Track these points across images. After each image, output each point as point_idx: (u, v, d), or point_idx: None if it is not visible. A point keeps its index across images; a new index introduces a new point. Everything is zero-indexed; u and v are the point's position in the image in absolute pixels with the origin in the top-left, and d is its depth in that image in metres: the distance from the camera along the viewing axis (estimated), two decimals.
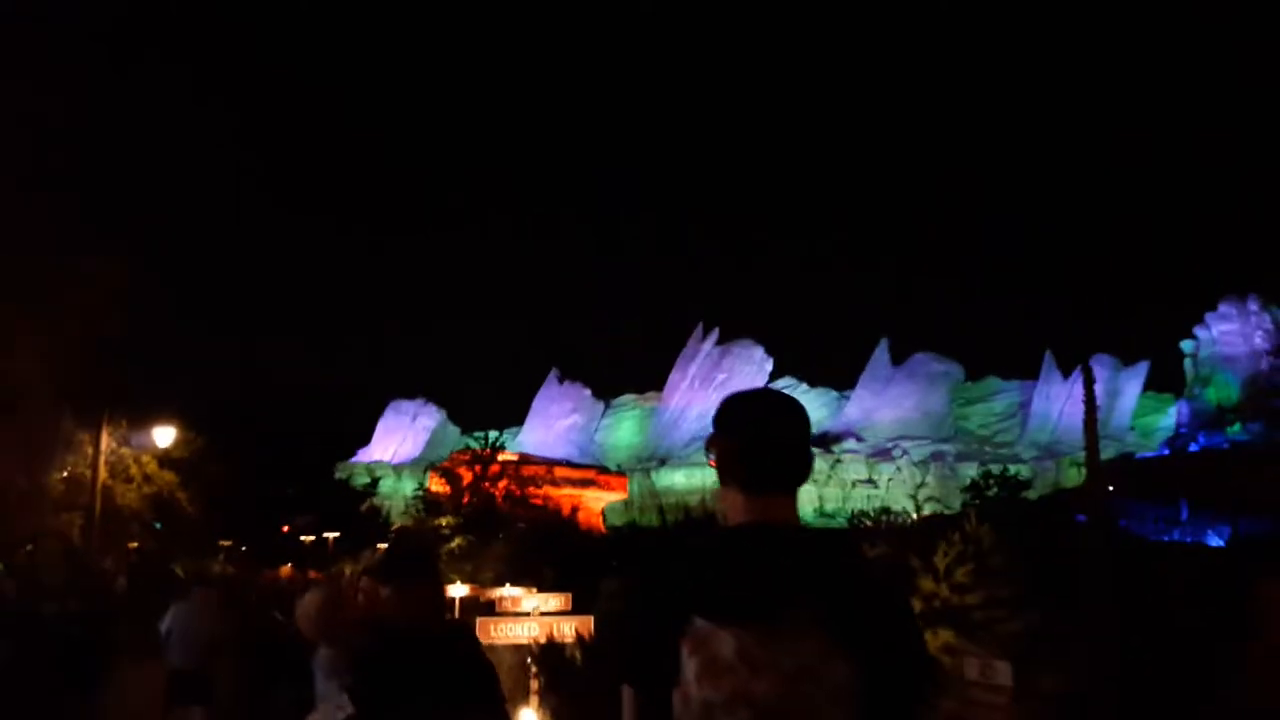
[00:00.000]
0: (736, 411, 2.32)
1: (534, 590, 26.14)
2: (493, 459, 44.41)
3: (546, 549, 37.08)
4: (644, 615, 2.16)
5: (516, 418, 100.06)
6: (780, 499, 2.23)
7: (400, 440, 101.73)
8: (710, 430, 2.38)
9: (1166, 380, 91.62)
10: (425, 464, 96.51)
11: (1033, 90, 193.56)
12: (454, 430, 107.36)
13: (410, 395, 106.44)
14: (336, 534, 42.15)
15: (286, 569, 49.22)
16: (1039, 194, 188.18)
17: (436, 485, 45.34)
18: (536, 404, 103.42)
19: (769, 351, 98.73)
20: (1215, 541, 33.29)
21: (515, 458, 48.10)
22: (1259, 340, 65.88)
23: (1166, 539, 34.86)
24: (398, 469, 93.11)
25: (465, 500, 40.10)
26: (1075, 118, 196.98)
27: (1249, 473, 44.16)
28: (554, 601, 24.88)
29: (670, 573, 2.17)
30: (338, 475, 53.25)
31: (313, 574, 47.43)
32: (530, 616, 25.22)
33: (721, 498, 2.30)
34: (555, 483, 63.05)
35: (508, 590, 30.63)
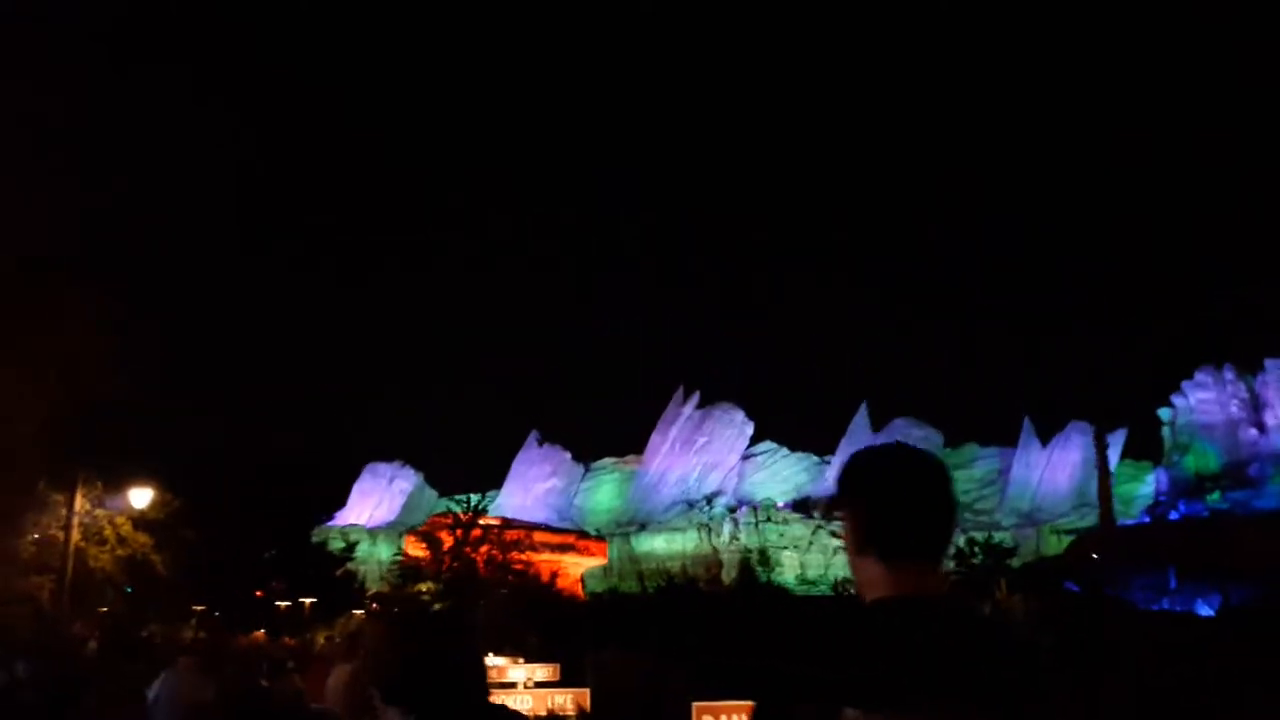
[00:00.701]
0: (874, 469, 2.07)
1: (520, 660, 25.52)
2: (474, 523, 43.71)
3: (530, 616, 36.41)
4: (783, 707, 1.94)
5: (494, 480, 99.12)
6: (928, 569, 1.99)
7: (376, 503, 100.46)
8: (841, 489, 2.16)
9: (1144, 448, 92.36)
10: (401, 528, 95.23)
11: (1014, 149, 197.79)
12: (431, 493, 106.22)
13: (387, 458, 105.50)
14: (313, 599, 41.16)
15: (260, 634, 48.07)
16: (1018, 262, 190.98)
17: (415, 549, 44.49)
18: (515, 467, 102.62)
19: (750, 415, 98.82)
20: (1204, 610, 33.04)
21: (497, 522, 47.33)
22: (1235, 409, 66.48)
23: (1155, 607, 34.57)
24: (373, 533, 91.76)
25: (446, 565, 39.31)
26: (1050, 189, 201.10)
27: (1234, 541, 44.20)
28: (542, 671, 24.28)
29: (821, 653, 1.93)
30: (314, 539, 52.16)
31: (287, 640, 46.37)
32: (520, 688, 24.60)
33: (856, 569, 2.07)
34: (534, 547, 62.13)
35: (492, 660, 29.92)
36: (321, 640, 50.72)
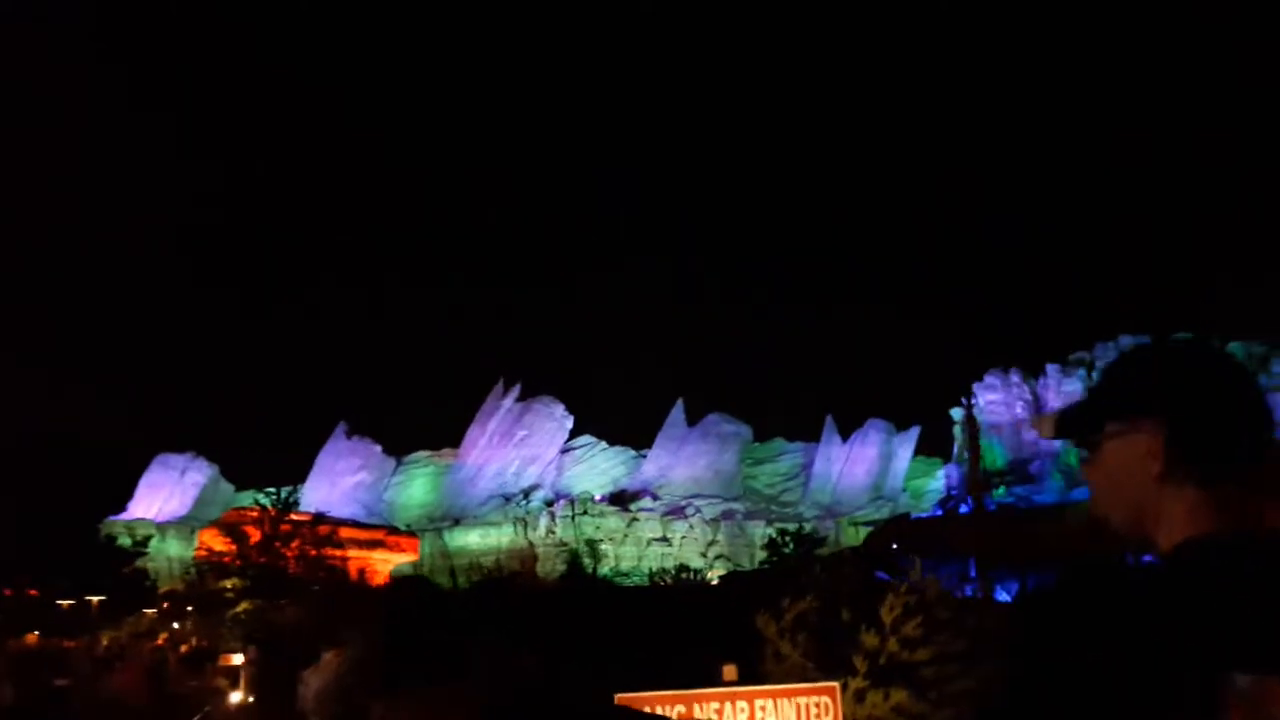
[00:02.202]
0: (1188, 372, 1.62)
1: None
2: (283, 518, 41.35)
3: (347, 615, 34.77)
4: (1151, 672, 1.47)
5: (298, 474, 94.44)
6: (1247, 494, 1.57)
7: (166, 497, 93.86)
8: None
9: (935, 445, 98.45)
10: (194, 523, 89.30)
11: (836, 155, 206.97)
12: (228, 487, 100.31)
13: (178, 448, 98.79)
14: (101, 598, 37.82)
15: (33, 636, 43.74)
16: (826, 266, 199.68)
17: (219, 544, 41.64)
18: (321, 460, 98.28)
19: (570, 409, 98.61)
20: (1003, 596, 35.35)
21: (308, 517, 44.96)
22: (1020, 410, 71.81)
23: (957, 595, 36.74)
24: (163, 527, 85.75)
25: (257, 561, 36.95)
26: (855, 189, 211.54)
27: (1020, 533, 47.69)
28: None
29: (1172, 613, 1.48)
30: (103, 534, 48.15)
31: (67, 642, 42.40)
32: None
33: (1151, 501, 1.63)
34: (341, 544, 59.73)
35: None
36: (105, 641, 46.81)
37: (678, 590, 49.43)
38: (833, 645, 8.64)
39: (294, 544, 39.05)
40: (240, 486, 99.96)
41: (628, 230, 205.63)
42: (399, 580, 52.81)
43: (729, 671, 7.76)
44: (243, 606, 35.86)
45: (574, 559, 53.85)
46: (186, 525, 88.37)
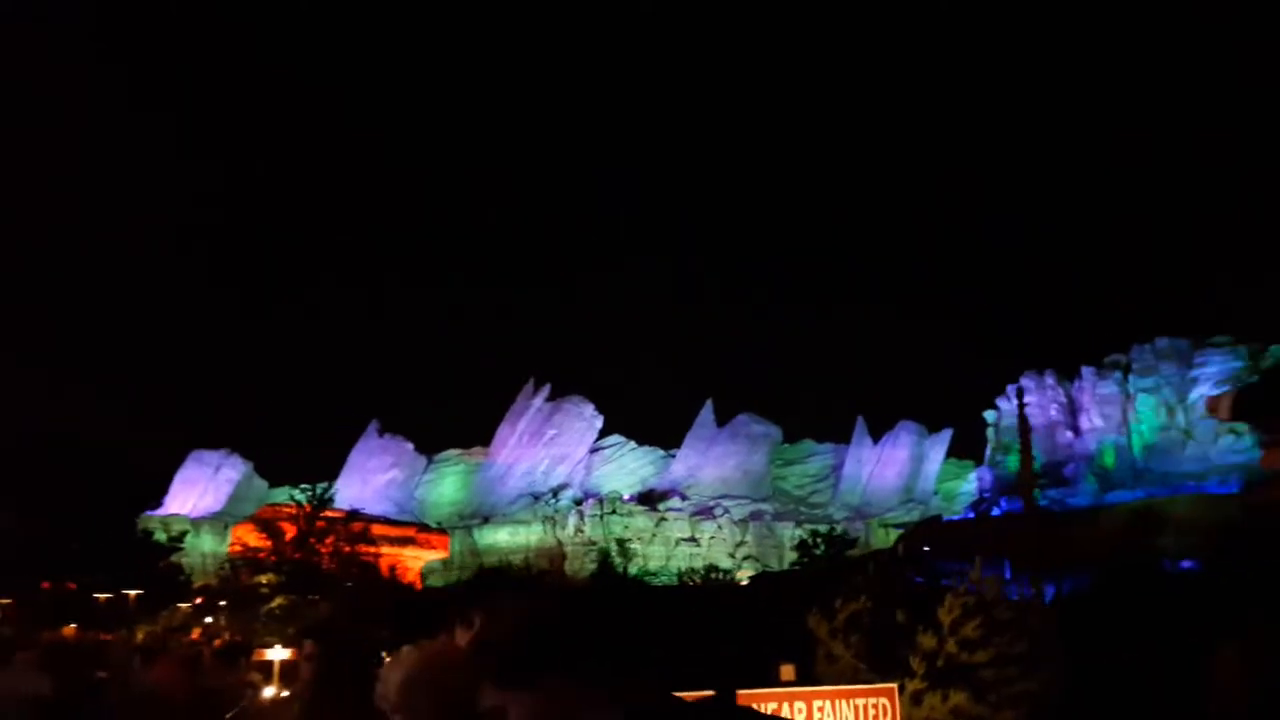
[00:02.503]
0: None
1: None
2: (318, 515, 41.64)
3: (381, 612, 34.82)
4: None
5: (329, 471, 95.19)
6: None
7: (201, 493, 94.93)
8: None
9: (966, 448, 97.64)
10: (228, 519, 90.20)
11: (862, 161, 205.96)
12: (261, 484, 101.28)
13: (213, 445, 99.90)
14: (138, 591, 38.25)
15: (70, 629, 44.33)
16: (859, 268, 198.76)
17: (254, 539, 41.99)
18: (354, 457, 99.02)
19: (599, 409, 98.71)
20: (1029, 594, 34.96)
21: (340, 514, 45.26)
22: (1055, 412, 71.01)
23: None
24: (197, 523, 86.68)
25: (292, 556, 37.22)
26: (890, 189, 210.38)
27: (1055, 535, 47.12)
28: None
29: None
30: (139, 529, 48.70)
31: (103, 635, 42.94)
32: None
33: None
34: (372, 540, 60.10)
35: None
36: (141, 636, 47.35)
37: (713, 590, 49.27)
38: (887, 646, 8.55)
39: (329, 540, 39.30)
40: (274, 483, 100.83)
41: (658, 231, 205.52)
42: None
43: (786, 672, 7.69)
44: (277, 602, 36.10)
45: (605, 558, 53.70)
46: (220, 521, 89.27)
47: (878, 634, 8.73)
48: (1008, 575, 39.55)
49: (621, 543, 70.26)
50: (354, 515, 44.13)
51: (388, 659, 3.15)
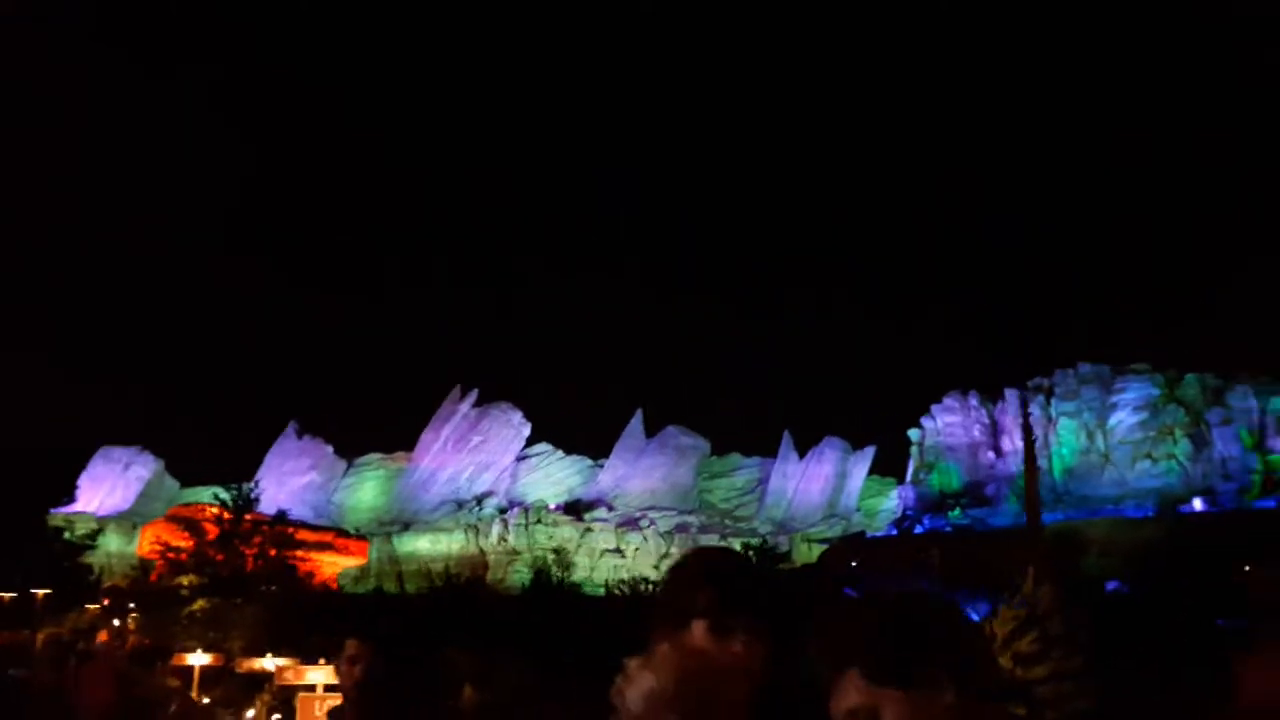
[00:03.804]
0: None
1: (323, 661, 23.28)
2: (242, 516, 40.16)
3: (306, 616, 33.64)
4: None
5: (244, 472, 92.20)
6: None
7: (108, 490, 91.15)
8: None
9: (889, 465, 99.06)
10: (136, 518, 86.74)
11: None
12: (173, 483, 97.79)
13: (123, 441, 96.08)
14: (47, 590, 36.37)
15: None
16: (789, 283, 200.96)
17: (174, 538, 40.28)
18: (270, 458, 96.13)
19: (527, 416, 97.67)
20: (974, 616, 35.41)
21: (263, 516, 43.69)
22: (978, 433, 72.54)
23: None
24: (103, 521, 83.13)
25: (214, 558, 35.74)
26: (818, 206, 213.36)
27: (976, 553, 48.01)
28: None
29: None
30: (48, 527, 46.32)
31: (8, 634, 40.66)
32: (319, 690, 22.34)
33: None
34: (297, 544, 58.52)
35: (273, 661, 27.30)
36: (42, 637, 45.03)
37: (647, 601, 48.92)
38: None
39: (255, 541, 37.88)
40: (185, 483, 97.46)
41: (592, 240, 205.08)
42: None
43: None
44: (198, 604, 34.62)
45: (542, 568, 52.95)
46: (128, 520, 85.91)
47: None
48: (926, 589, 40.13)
49: (559, 551, 69.49)
50: (281, 518, 42.65)
51: (633, 665, 2.65)
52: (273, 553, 38.38)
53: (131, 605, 49.26)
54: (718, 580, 2.31)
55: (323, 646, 29.53)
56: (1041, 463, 68.73)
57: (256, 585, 36.54)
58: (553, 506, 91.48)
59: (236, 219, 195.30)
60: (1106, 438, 65.18)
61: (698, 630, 2.28)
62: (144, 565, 44.19)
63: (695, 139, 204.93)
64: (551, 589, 41.86)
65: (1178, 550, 42.21)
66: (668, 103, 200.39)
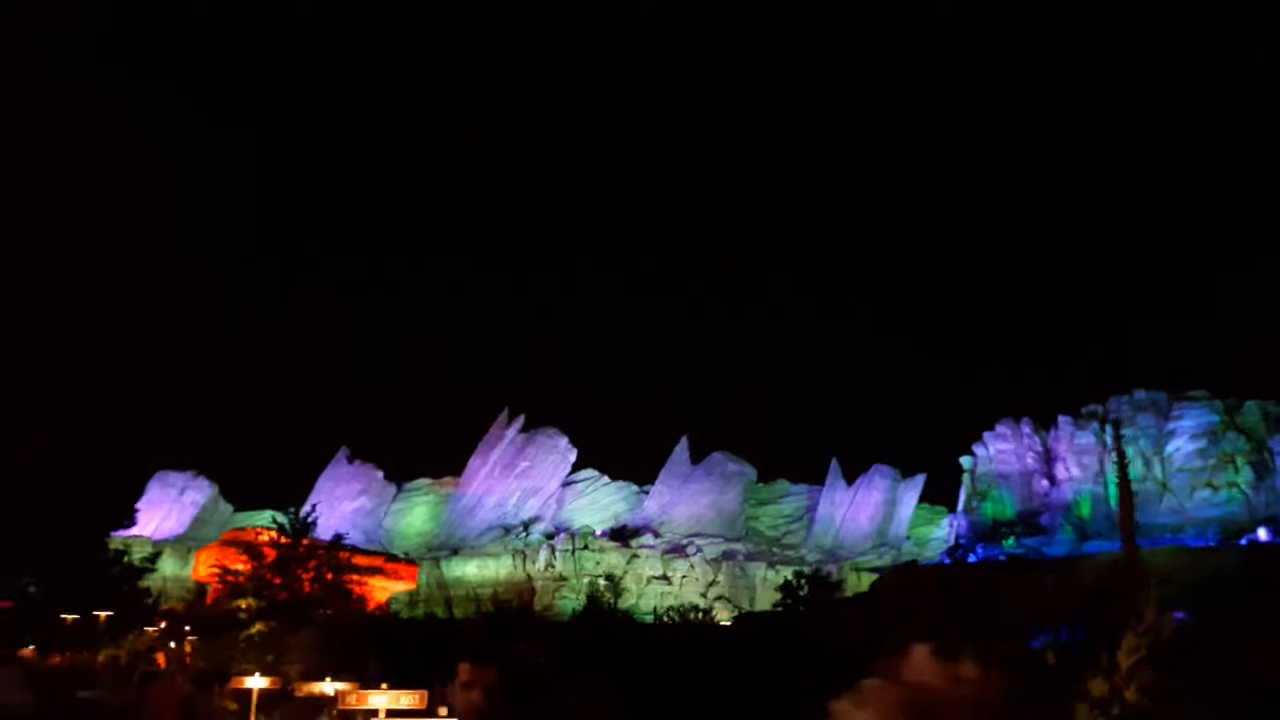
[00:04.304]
0: None
1: (385, 686, 23.49)
2: (300, 540, 40.69)
3: (366, 641, 33.93)
4: None
5: (295, 497, 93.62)
6: None
7: (164, 515, 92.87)
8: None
9: (939, 494, 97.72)
10: (191, 542, 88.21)
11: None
12: (226, 507, 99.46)
13: (179, 467, 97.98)
14: (109, 613, 37.10)
15: (29, 651, 42.86)
16: (839, 306, 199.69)
17: (235, 563, 40.88)
18: (322, 483, 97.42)
19: (573, 442, 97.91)
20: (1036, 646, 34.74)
21: (317, 541, 44.19)
22: (1031, 460, 71.31)
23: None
24: (159, 545, 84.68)
25: (273, 581, 36.20)
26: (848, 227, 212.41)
27: (1033, 583, 47.05)
28: (405, 699, 22.48)
29: None
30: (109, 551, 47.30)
31: (90, 656, 41.44)
32: (382, 716, 22.54)
33: None
34: (350, 569, 59.17)
35: (333, 685, 27.54)
36: (103, 659, 45.83)
37: (699, 628, 48.59)
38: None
39: (311, 565, 38.33)
40: (239, 507, 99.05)
41: (642, 266, 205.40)
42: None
43: None
44: (256, 628, 35.07)
45: (594, 594, 52.92)
46: (183, 544, 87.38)
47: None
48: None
49: (610, 578, 69.40)
50: (337, 542, 43.14)
51: (842, 706, 2.77)
52: (329, 577, 38.79)
53: (188, 628, 49.97)
54: (941, 589, 2.23)
55: (379, 672, 29.81)
56: (1098, 490, 67.43)
57: (313, 609, 36.91)
58: (599, 533, 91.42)
59: (292, 252, 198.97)
60: (1164, 466, 63.81)
61: (919, 657, 2.12)
62: (199, 589, 44.75)
63: (750, 163, 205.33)
64: (604, 615, 41.73)
65: (1249, 579, 41.23)
66: (731, 135, 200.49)
